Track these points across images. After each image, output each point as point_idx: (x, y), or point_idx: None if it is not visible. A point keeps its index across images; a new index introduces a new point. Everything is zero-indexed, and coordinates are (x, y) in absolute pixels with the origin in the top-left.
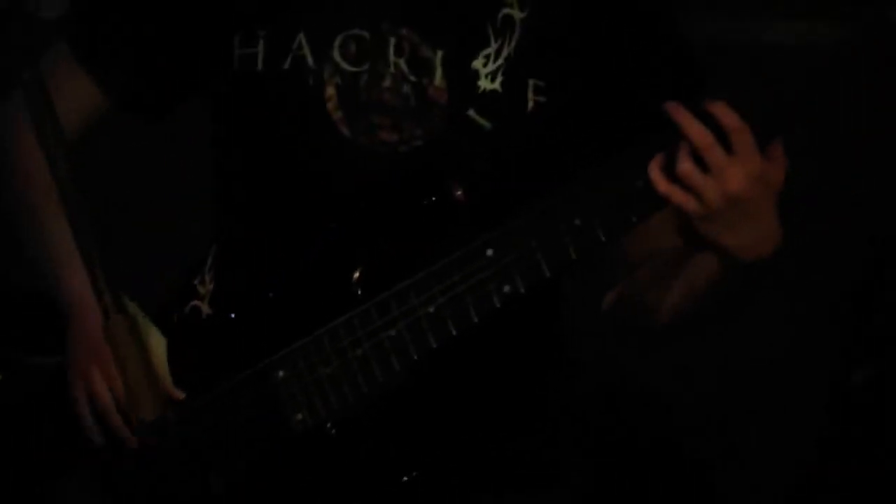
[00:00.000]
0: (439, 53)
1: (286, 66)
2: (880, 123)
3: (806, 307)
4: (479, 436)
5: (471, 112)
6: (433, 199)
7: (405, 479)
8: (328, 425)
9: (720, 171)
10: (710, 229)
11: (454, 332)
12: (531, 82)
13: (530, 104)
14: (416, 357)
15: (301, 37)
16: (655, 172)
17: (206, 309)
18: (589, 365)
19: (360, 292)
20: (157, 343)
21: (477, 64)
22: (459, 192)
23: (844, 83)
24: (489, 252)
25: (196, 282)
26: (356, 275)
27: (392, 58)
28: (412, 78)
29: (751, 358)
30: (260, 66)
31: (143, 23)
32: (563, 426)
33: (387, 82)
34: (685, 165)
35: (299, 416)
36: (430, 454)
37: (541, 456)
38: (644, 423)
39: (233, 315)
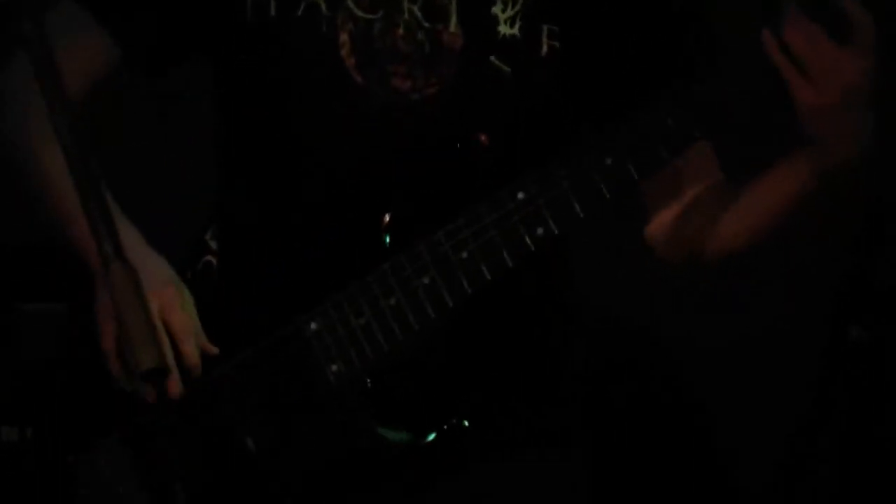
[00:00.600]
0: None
1: (299, 12)
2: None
3: (803, 265)
4: (499, 390)
5: (492, 58)
6: (458, 145)
7: (446, 426)
8: (364, 376)
9: (837, 61)
10: (815, 123)
11: (489, 277)
12: (545, 27)
13: (544, 48)
14: (451, 304)
15: None
16: (771, 43)
17: (218, 261)
18: (599, 328)
19: (388, 241)
20: (188, 300)
21: (496, 9)
22: (484, 138)
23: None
24: (520, 195)
25: (207, 236)
26: (385, 221)
27: (406, 4)
28: (426, 24)
29: (753, 318)
30: (273, 12)
31: None
32: (570, 387)
33: (400, 29)
34: (806, 47)
35: (334, 368)
36: (463, 405)
37: (550, 415)
38: (651, 381)
39: (253, 275)
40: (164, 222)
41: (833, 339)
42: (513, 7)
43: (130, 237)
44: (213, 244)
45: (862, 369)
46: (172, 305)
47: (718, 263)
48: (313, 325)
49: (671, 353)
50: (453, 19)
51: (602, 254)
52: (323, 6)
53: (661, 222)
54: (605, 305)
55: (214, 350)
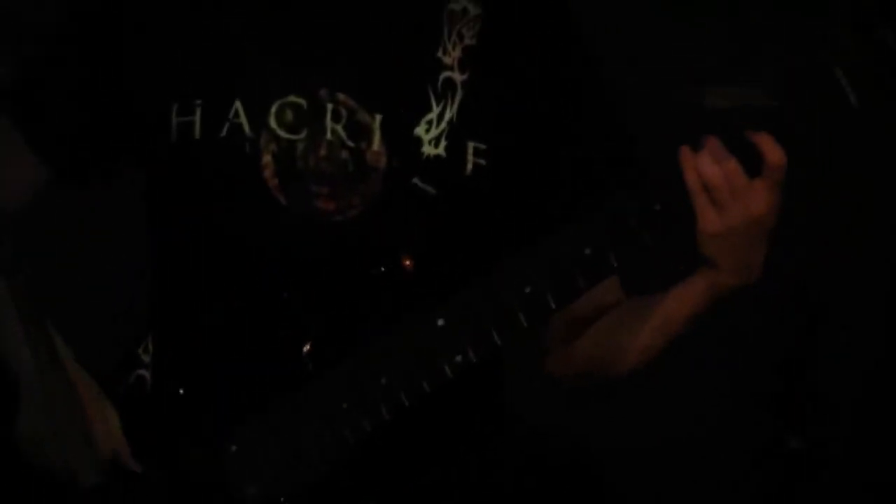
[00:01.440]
0: (378, 118)
1: (223, 133)
2: (820, 181)
3: (739, 370)
4: (419, 496)
5: (416, 180)
6: (381, 269)
7: None
8: (281, 499)
9: (746, 192)
10: (714, 248)
11: (407, 403)
12: (471, 145)
13: (469, 166)
14: (369, 429)
15: (238, 104)
16: (689, 167)
17: (150, 378)
18: (528, 425)
19: (310, 365)
20: (111, 415)
21: (419, 130)
22: (408, 262)
23: (796, 142)
24: (440, 322)
25: (140, 350)
26: (306, 348)
27: (329, 124)
28: (350, 143)
29: (684, 422)
30: (197, 134)
31: (81, 93)
32: (503, 486)
33: (323, 149)
34: (717, 175)
35: (252, 490)
36: None
37: None
38: (577, 487)
39: (181, 390)
40: (96, 335)
41: (770, 448)
42: (437, 126)
43: (62, 351)
44: (146, 358)
45: (799, 478)
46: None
47: (615, 380)
48: (233, 448)
49: (600, 455)
50: (377, 137)
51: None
52: (246, 127)
53: (558, 352)
54: (534, 407)
55: (139, 468)
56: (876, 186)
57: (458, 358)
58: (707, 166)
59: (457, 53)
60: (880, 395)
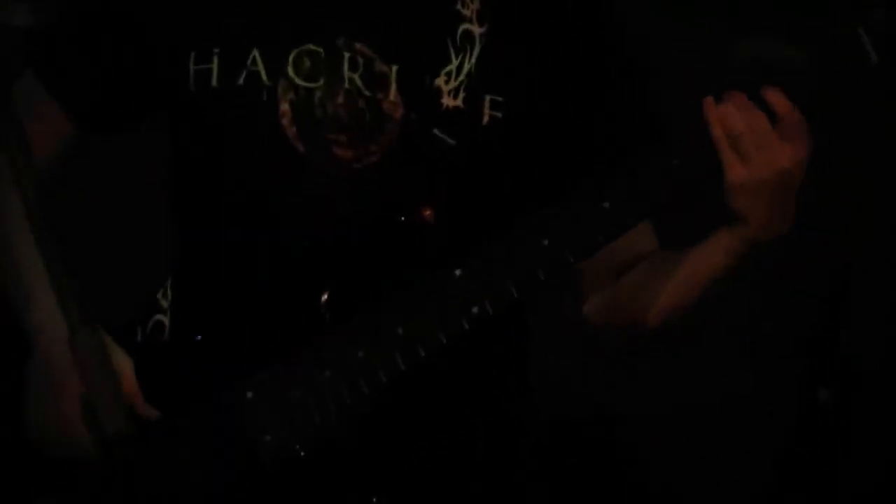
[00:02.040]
0: (394, 68)
1: (240, 82)
2: (849, 145)
3: (771, 327)
4: (441, 461)
5: (436, 130)
6: (402, 219)
7: (374, 500)
8: (297, 447)
9: (770, 143)
10: (742, 201)
11: (423, 355)
12: (487, 98)
13: (485, 119)
14: (384, 380)
15: (255, 53)
16: (714, 118)
17: (169, 324)
18: (551, 391)
19: (328, 315)
20: (124, 363)
21: (439, 81)
22: (428, 213)
23: (821, 104)
24: (458, 273)
25: (159, 295)
26: (324, 298)
27: (346, 73)
28: (367, 93)
29: (716, 380)
30: (214, 82)
31: (101, 42)
32: (524, 453)
33: (341, 98)
34: (741, 124)
35: (268, 438)
36: (398, 477)
37: (501, 482)
38: (606, 451)
39: (199, 337)
40: (116, 279)
41: (801, 402)
42: (456, 78)
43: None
44: (165, 303)
45: (829, 432)
46: (123, 371)
47: (652, 334)
48: (249, 394)
49: (633, 419)
50: (393, 88)
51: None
52: (263, 75)
53: (596, 299)
54: (564, 373)
55: (154, 414)
56: None
57: (475, 309)
58: (733, 116)
59: (475, 6)
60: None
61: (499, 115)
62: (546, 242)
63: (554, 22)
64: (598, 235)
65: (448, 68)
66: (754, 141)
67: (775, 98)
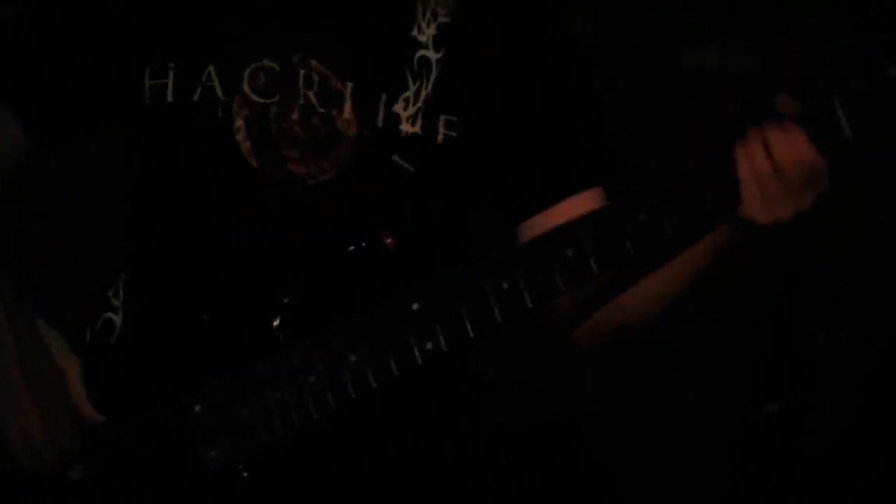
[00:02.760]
0: (349, 86)
1: (196, 97)
2: None
3: (719, 338)
4: (390, 472)
5: (395, 157)
6: (362, 244)
7: None
8: (240, 467)
9: (796, 191)
10: (752, 229)
11: (374, 385)
12: (443, 118)
13: (440, 138)
14: (334, 406)
15: (211, 68)
16: (741, 156)
17: (119, 321)
18: (508, 393)
19: (280, 336)
20: (70, 366)
21: (397, 108)
22: (389, 240)
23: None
24: (415, 306)
25: (110, 293)
26: (276, 321)
27: (302, 89)
28: (321, 110)
29: (665, 388)
30: (170, 97)
31: (55, 52)
32: (476, 456)
33: (295, 114)
34: (768, 165)
35: (213, 454)
36: (341, 497)
37: (454, 487)
38: (560, 455)
39: (148, 344)
40: (67, 276)
41: (748, 414)
42: (414, 104)
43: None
44: (116, 302)
45: (776, 444)
46: (69, 374)
47: (630, 333)
48: (197, 408)
49: (586, 423)
50: (348, 105)
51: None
52: (219, 91)
53: (572, 310)
54: (522, 375)
55: (98, 418)
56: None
57: (429, 345)
58: (760, 157)
59: (431, 31)
60: (856, 364)
61: (454, 134)
62: (505, 285)
63: (510, 44)
64: (558, 281)
65: (406, 94)
66: (782, 185)
67: (804, 147)
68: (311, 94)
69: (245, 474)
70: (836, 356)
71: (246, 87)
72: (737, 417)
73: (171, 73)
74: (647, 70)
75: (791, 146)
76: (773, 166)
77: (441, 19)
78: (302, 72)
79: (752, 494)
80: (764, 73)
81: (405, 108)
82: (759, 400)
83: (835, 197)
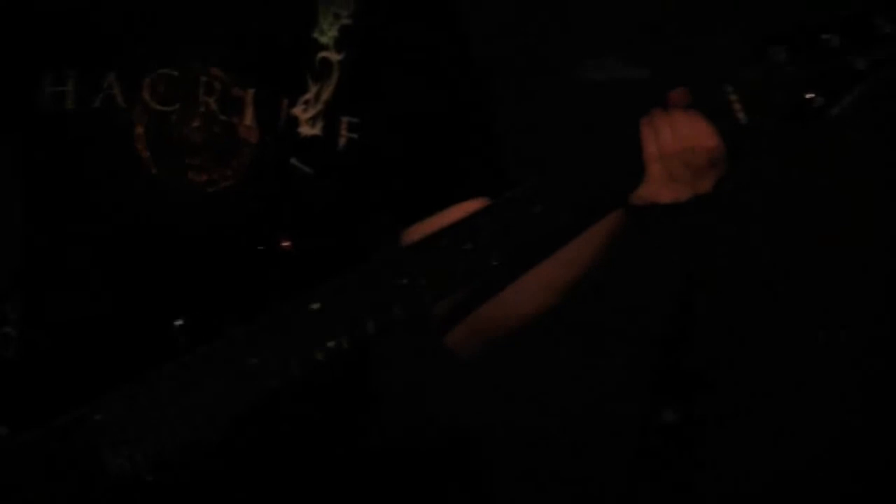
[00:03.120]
0: (250, 93)
1: (96, 104)
2: None
3: (619, 347)
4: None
5: (294, 160)
6: (260, 248)
7: None
8: (144, 472)
9: (701, 170)
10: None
11: (275, 385)
12: (344, 120)
13: (342, 140)
14: (234, 410)
15: (111, 76)
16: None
17: (14, 334)
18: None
19: (182, 340)
20: None
21: (297, 110)
22: (288, 244)
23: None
24: (315, 306)
25: (7, 307)
26: (178, 323)
27: (202, 97)
28: (222, 117)
29: (563, 397)
30: (70, 104)
31: None
32: (365, 474)
33: (196, 122)
34: (676, 145)
35: (116, 462)
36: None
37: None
38: (452, 468)
39: (46, 355)
40: None
41: (645, 422)
42: (314, 107)
43: None
44: (13, 314)
45: (673, 450)
46: None
47: (507, 332)
48: (98, 416)
49: (478, 434)
50: (249, 112)
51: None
52: (119, 98)
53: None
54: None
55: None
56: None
57: (331, 343)
58: (667, 135)
59: (333, 33)
60: (752, 372)
61: (355, 136)
62: (405, 281)
63: (412, 47)
64: (457, 276)
65: (306, 97)
66: (686, 164)
67: (707, 130)
68: (212, 102)
69: (150, 479)
70: (734, 365)
71: (146, 95)
72: (636, 426)
73: (71, 81)
74: (542, 81)
75: (694, 127)
76: (678, 146)
77: (343, 21)
78: (203, 79)
79: (649, 502)
80: (660, 83)
81: (305, 111)
82: (658, 408)
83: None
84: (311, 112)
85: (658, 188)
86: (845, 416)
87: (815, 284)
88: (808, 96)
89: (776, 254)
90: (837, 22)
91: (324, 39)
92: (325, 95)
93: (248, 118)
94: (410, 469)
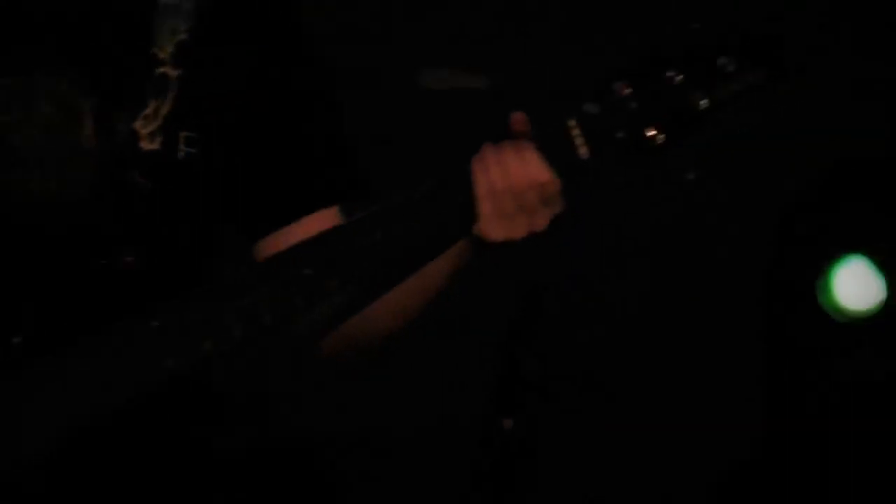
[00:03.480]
0: (89, 104)
1: None
2: None
3: (457, 352)
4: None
5: (134, 175)
6: (102, 262)
7: None
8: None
9: (532, 209)
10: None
11: (117, 403)
12: (182, 134)
13: (180, 154)
14: (72, 426)
15: None
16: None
17: None
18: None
19: (21, 355)
20: None
21: (137, 125)
22: (130, 259)
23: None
24: (154, 324)
25: None
26: (17, 340)
27: (41, 106)
28: (62, 128)
29: (407, 407)
30: None
31: None
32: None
33: (35, 132)
34: (504, 182)
35: None
36: None
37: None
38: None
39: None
40: None
41: (487, 430)
42: (153, 121)
43: None
44: None
45: (512, 457)
46: None
47: (376, 342)
48: None
49: (324, 439)
50: (88, 123)
51: None
52: None
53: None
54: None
55: None
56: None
57: (170, 362)
58: (496, 173)
59: (170, 48)
60: (590, 382)
61: (193, 150)
62: (246, 301)
63: (250, 62)
64: (296, 300)
65: (145, 112)
66: (517, 203)
67: (538, 167)
68: (51, 111)
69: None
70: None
71: None
72: (477, 432)
73: None
74: (388, 90)
75: (524, 165)
76: (507, 184)
77: (180, 36)
78: (42, 89)
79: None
80: (500, 93)
81: (144, 126)
82: (498, 415)
83: None
84: (152, 126)
85: (491, 226)
86: (681, 419)
87: (644, 298)
88: (648, 133)
89: (605, 267)
90: (682, 59)
91: (162, 55)
92: (164, 110)
93: (88, 129)
94: (257, 475)
